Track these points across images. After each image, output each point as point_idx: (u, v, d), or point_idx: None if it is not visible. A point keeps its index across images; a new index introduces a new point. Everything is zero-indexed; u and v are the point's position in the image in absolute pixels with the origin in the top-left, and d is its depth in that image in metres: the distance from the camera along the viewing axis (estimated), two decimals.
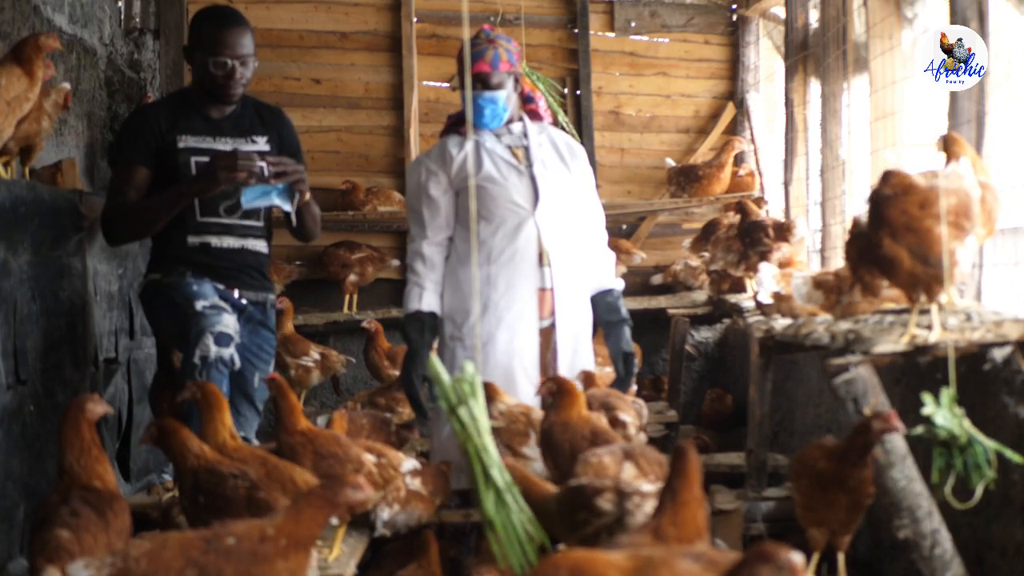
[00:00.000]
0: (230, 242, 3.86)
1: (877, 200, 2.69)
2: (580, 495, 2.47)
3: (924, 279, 2.63)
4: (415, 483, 3.06)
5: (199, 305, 3.55)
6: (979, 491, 2.55)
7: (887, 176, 2.70)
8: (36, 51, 3.40)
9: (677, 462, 2.22)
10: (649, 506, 2.36)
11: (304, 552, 2.09)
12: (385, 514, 3.04)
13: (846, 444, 2.70)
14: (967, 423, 2.54)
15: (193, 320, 3.50)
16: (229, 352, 3.45)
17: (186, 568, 1.99)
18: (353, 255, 6.03)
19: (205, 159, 3.78)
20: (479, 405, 2.30)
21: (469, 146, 3.91)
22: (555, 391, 3.21)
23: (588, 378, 3.72)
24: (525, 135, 3.99)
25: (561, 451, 3.04)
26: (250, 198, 3.66)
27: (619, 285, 4.10)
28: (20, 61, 3.37)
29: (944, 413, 2.52)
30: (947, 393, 2.56)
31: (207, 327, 3.46)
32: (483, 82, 3.86)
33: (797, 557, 1.72)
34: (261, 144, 3.91)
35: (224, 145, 3.83)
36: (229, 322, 3.51)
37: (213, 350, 3.42)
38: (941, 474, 2.56)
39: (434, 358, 2.31)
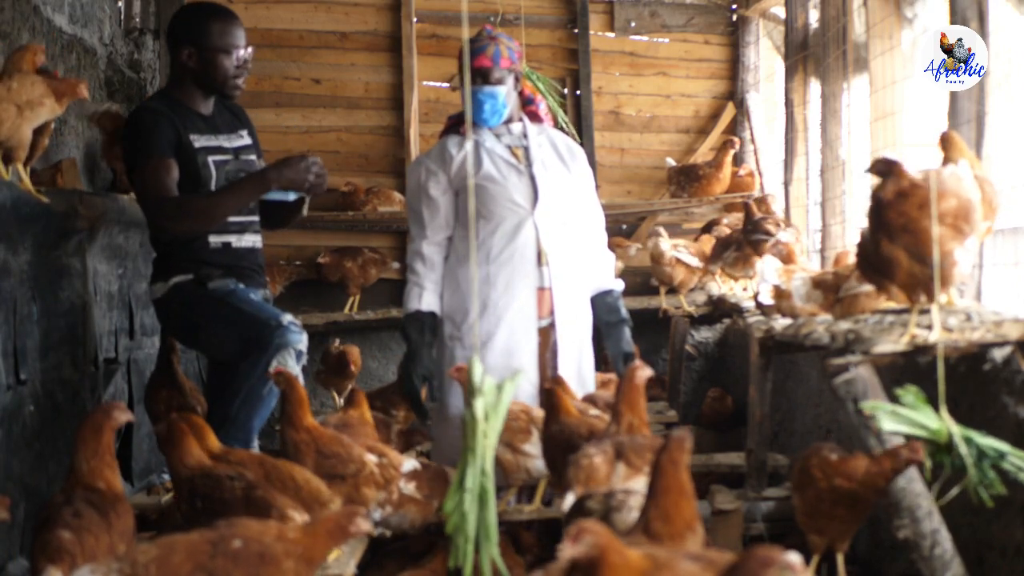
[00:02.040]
0: (247, 240, 3.84)
1: (876, 202, 2.69)
2: (579, 502, 2.54)
3: (923, 279, 2.63)
4: (409, 487, 3.06)
5: (285, 319, 3.56)
6: (953, 491, 2.54)
7: (885, 172, 2.69)
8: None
9: (662, 451, 2.25)
10: (634, 500, 2.39)
11: (312, 566, 2.16)
12: (376, 515, 3.05)
13: (871, 469, 2.67)
14: (947, 422, 2.50)
15: (277, 332, 3.50)
16: (298, 369, 3.51)
17: (195, 573, 2.00)
18: (356, 262, 6.02)
19: (219, 158, 3.76)
20: (494, 410, 2.31)
21: (469, 145, 3.92)
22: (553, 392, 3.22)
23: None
24: (525, 135, 3.99)
25: (559, 450, 3.04)
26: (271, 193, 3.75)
27: (619, 286, 4.11)
28: (47, 78, 3.43)
29: (888, 413, 2.50)
30: (911, 391, 2.54)
31: (291, 343, 3.50)
32: (483, 77, 3.86)
33: (795, 559, 1.72)
34: (245, 138, 3.92)
35: (226, 141, 3.83)
36: (305, 340, 3.57)
37: (290, 365, 3.47)
38: (932, 474, 2.56)
39: (476, 359, 2.33)
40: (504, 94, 3.90)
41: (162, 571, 1.99)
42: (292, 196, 3.78)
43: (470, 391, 2.27)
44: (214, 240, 3.75)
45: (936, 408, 2.56)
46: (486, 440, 2.32)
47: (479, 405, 2.29)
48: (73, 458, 2.47)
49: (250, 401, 3.51)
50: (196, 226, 3.70)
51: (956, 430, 2.48)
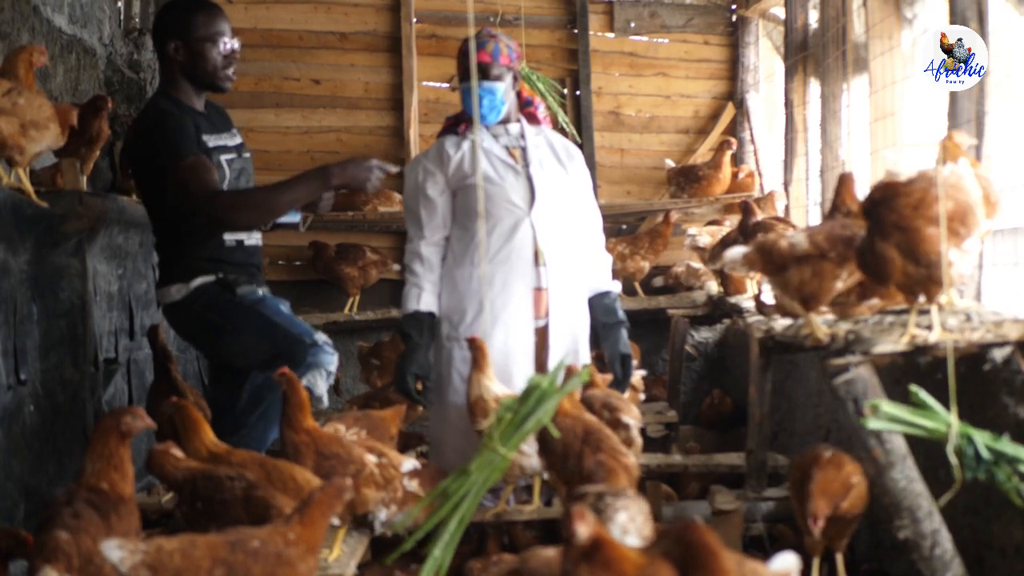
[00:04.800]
0: (254, 238, 3.82)
1: (869, 200, 2.69)
2: (575, 497, 2.54)
3: (918, 279, 2.62)
4: (412, 485, 3.06)
5: (319, 338, 3.56)
6: (953, 490, 2.54)
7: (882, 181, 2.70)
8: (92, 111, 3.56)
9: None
10: (620, 503, 2.39)
11: (316, 554, 2.20)
12: (383, 515, 3.05)
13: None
14: (951, 421, 2.49)
15: (311, 351, 3.51)
16: (324, 389, 3.52)
17: (215, 567, 2.05)
18: (356, 266, 6.02)
19: (228, 156, 3.75)
20: (518, 430, 2.32)
21: (467, 144, 3.91)
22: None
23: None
24: (522, 136, 3.99)
25: (554, 449, 3.04)
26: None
27: (616, 287, 4.11)
28: (59, 108, 3.51)
29: (882, 412, 2.50)
30: (915, 390, 2.53)
31: (323, 363, 3.51)
32: (482, 72, 3.86)
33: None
34: (237, 136, 3.91)
35: (228, 140, 3.81)
36: (336, 361, 3.58)
37: (320, 386, 3.48)
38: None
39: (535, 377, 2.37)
40: (502, 91, 3.90)
41: (186, 561, 2.04)
42: (298, 217, 3.85)
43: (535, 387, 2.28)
44: (229, 238, 3.72)
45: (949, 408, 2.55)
46: (491, 443, 2.33)
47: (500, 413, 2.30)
48: (83, 459, 2.48)
49: (270, 414, 3.48)
50: (255, 219, 3.63)
51: (956, 429, 2.47)
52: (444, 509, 2.33)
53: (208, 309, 3.67)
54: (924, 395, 2.50)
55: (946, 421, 2.47)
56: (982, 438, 2.45)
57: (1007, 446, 2.45)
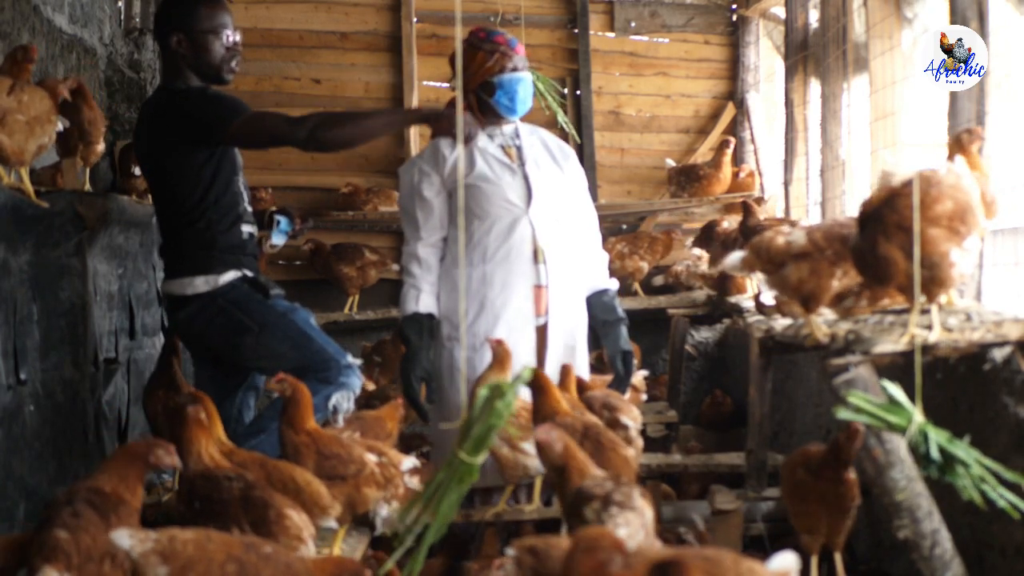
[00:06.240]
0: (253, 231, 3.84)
1: (871, 201, 2.69)
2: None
3: (921, 280, 2.62)
4: (413, 482, 3.06)
5: (353, 361, 3.58)
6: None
7: (882, 181, 2.71)
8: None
9: None
10: (622, 519, 2.38)
11: None
12: (384, 511, 3.05)
13: (822, 459, 2.73)
14: (914, 414, 2.48)
15: (344, 372, 3.53)
16: (351, 405, 3.53)
17: (228, 562, 2.06)
18: (356, 264, 6.02)
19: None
20: (488, 419, 2.33)
21: (459, 148, 3.91)
22: (538, 388, 3.22)
23: (579, 382, 3.72)
24: (517, 135, 3.99)
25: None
26: (278, 236, 4.06)
27: (614, 285, 4.11)
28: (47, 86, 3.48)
29: (853, 404, 2.51)
30: (888, 384, 2.54)
31: (352, 386, 3.53)
32: (525, 64, 3.90)
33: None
34: None
35: None
36: (361, 384, 3.60)
37: (345, 407, 3.48)
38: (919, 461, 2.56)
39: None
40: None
41: (199, 552, 2.05)
42: (282, 241, 4.05)
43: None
44: (245, 228, 3.71)
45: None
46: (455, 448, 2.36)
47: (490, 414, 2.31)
48: (92, 467, 2.48)
49: (265, 446, 3.48)
50: (347, 136, 3.59)
51: (917, 423, 2.47)
52: (414, 507, 2.37)
53: (234, 305, 3.61)
54: (894, 390, 2.50)
55: (909, 416, 2.46)
56: (938, 437, 2.45)
57: (960, 449, 2.44)
